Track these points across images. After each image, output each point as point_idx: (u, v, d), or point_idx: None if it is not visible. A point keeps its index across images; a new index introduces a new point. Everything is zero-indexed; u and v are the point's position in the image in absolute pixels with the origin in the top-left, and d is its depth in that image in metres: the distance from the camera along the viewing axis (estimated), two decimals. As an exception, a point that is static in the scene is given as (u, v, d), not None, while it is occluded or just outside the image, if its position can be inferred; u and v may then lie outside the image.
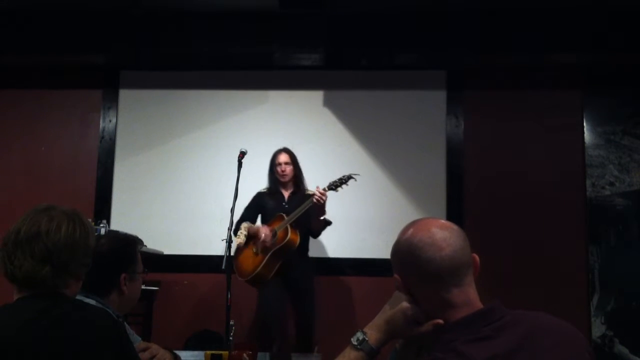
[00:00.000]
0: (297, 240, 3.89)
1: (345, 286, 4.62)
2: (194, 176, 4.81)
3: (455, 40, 4.51)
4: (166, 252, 4.54)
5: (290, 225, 3.86)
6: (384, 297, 1.42)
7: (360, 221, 4.68)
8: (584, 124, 4.69)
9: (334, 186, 3.85)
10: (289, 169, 4.12)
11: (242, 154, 3.81)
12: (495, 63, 4.78)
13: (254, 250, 3.94)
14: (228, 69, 4.95)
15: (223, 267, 3.49)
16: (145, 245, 3.83)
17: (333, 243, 4.66)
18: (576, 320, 3.96)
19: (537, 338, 1.20)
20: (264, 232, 3.89)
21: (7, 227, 1.55)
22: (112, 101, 4.96)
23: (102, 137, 4.92)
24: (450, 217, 4.56)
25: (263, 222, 4.12)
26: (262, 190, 4.20)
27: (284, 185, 4.14)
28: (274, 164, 4.15)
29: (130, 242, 2.07)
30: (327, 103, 4.88)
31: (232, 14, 4.54)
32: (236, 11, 4.52)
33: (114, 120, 4.94)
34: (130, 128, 4.94)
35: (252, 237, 4.00)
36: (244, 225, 4.05)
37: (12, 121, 4.98)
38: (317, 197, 3.77)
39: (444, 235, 1.29)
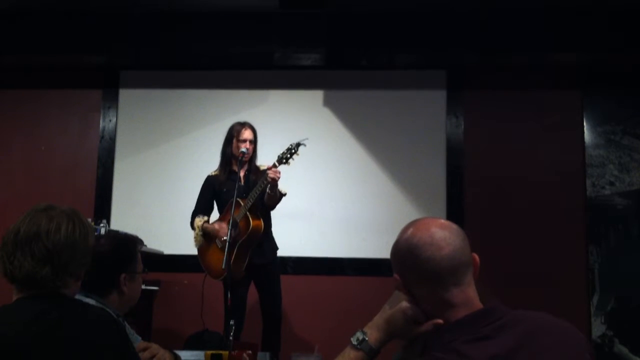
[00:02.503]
0: (261, 224, 3.68)
1: (345, 286, 4.62)
2: (194, 176, 4.78)
3: (455, 40, 4.51)
4: (166, 252, 4.54)
5: (249, 210, 3.63)
6: (384, 297, 1.42)
7: (360, 221, 4.68)
8: (584, 123, 4.69)
9: (285, 159, 3.57)
10: (252, 148, 3.82)
11: (242, 154, 3.80)
12: (495, 63, 4.78)
13: (220, 246, 3.71)
14: (228, 68, 4.95)
15: (223, 266, 3.49)
16: (145, 245, 3.83)
17: (333, 243, 4.66)
18: (576, 320, 3.96)
19: (537, 338, 1.20)
20: (223, 231, 3.63)
21: (7, 227, 1.55)
22: (112, 101, 4.96)
23: (102, 137, 4.93)
24: (450, 216, 4.56)
25: (219, 208, 3.91)
26: (213, 174, 3.92)
27: (241, 163, 3.80)
28: (235, 139, 3.82)
29: (130, 242, 2.07)
30: (327, 103, 4.88)
31: (232, 14, 4.54)
32: (236, 11, 4.52)
33: (114, 120, 4.94)
34: (130, 128, 4.95)
35: (210, 236, 3.79)
36: (198, 224, 3.82)
37: (12, 121, 4.98)
38: (271, 177, 3.53)
39: (444, 235, 1.29)
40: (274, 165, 3.59)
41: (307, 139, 3.61)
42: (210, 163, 4.75)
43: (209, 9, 4.51)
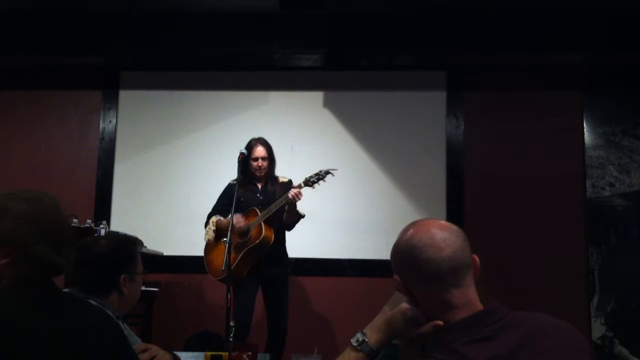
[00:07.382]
0: (272, 237, 3.70)
1: (345, 286, 4.62)
2: (194, 177, 4.80)
3: (455, 40, 4.51)
4: (166, 252, 4.54)
5: (265, 221, 3.68)
6: (384, 297, 1.42)
7: (360, 221, 4.68)
8: (584, 124, 4.69)
9: (311, 182, 3.61)
10: (265, 164, 3.86)
11: (242, 155, 3.80)
12: (495, 63, 4.78)
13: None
14: (228, 69, 4.95)
15: (223, 267, 3.48)
16: (145, 246, 3.83)
17: (333, 243, 4.66)
18: (576, 320, 3.96)
19: (537, 339, 1.20)
20: (237, 220, 3.64)
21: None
22: (112, 102, 4.96)
23: (102, 138, 4.93)
24: (450, 217, 4.57)
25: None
26: (234, 182, 3.89)
27: (258, 178, 3.91)
28: (249, 155, 3.85)
29: (130, 243, 2.06)
30: (327, 104, 4.88)
31: (232, 14, 4.54)
32: (236, 11, 4.53)
33: (113, 121, 4.94)
34: (130, 129, 4.95)
35: (222, 231, 3.78)
36: (213, 219, 3.87)
37: (12, 122, 4.98)
38: (292, 195, 3.56)
39: (444, 236, 1.28)
40: (299, 186, 3.62)
41: (336, 169, 3.65)
42: (209, 164, 4.77)
43: (209, 9, 4.51)
